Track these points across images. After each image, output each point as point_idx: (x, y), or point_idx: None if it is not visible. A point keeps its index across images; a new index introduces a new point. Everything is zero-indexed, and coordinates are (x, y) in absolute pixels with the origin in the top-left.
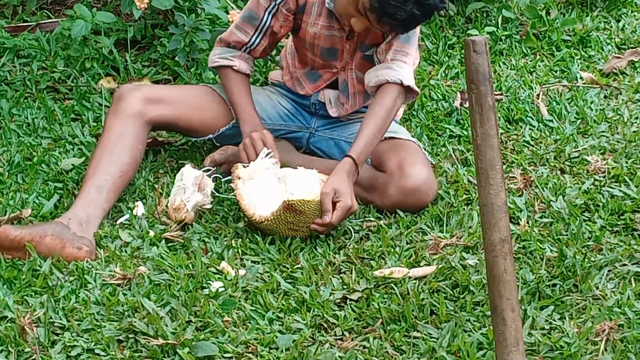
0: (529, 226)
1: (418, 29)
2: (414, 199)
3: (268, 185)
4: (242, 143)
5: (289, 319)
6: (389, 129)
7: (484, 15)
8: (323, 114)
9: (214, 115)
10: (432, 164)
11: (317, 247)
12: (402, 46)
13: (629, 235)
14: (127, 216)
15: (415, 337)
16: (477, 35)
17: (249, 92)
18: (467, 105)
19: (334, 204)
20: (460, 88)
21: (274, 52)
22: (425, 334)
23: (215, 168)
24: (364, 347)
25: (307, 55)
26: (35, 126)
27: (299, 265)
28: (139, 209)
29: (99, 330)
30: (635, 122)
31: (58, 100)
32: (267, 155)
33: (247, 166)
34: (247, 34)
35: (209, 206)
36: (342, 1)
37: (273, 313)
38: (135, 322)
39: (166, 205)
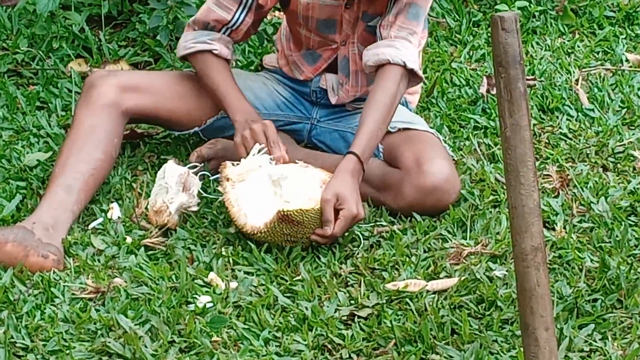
0: (566, 232)
1: (428, 2)
2: (433, 199)
3: (261, 189)
4: (240, 136)
5: (287, 339)
6: (402, 118)
7: None
8: (325, 103)
9: (201, 105)
10: (453, 159)
11: (320, 256)
12: (408, 23)
13: None
14: (100, 220)
15: None
16: (506, 10)
17: (234, 79)
18: (494, 91)
19: (337, 212)
20: (486, 72)
21: (270, 31)
22: (445, 357)
23: (202, 164)
24: None
25: (301, 32)
26: None
27: (300, 277)
28: (115, 211)
29: (68, 351)
30: None
31: (21, 86)
32: (260, 151)
33: (237, 164)
34: (229, 10)
35: (195, 208)
36: None
37: (269, 332)
38: (109, 342)
39: (146, 208)
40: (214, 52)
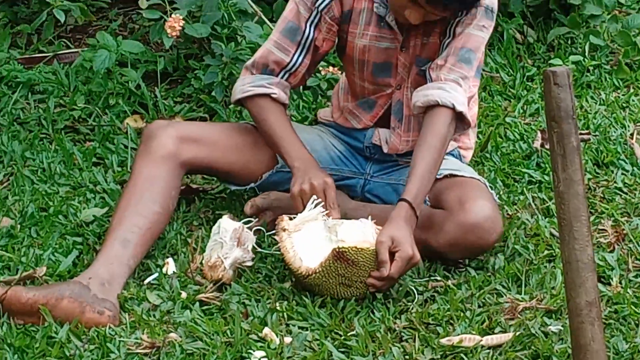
0: (621, 287)
1: (481, 52)
2: (474, 237)
3: (317, 235)
4: (298, 188)
5: None
6: (451, 166)
7: (569, 42)
8: (378, 158)
9: (258, 158)
10: (503, 207)
11: (374, 311)
12: (459, 66)
13: None
14: (156, 275)
15: None
16: (560, 65)
17: (291, 124)
18: (548, 146)
19: (392, 254)
20: (540, 126)
21: (324, 87)
22: None
23: (257, 220)
24: None
25: (356, 82)
26: (52, 172)
27: (354, 332)
28: (170, 266)
29: None
30: None
31: (78, 142)
32: (315, 204)
33: (294, 217)
34: (288, 52)
35: (249, 263)
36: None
37: None
38: None
39: (201, 263)
40: (272, 96)
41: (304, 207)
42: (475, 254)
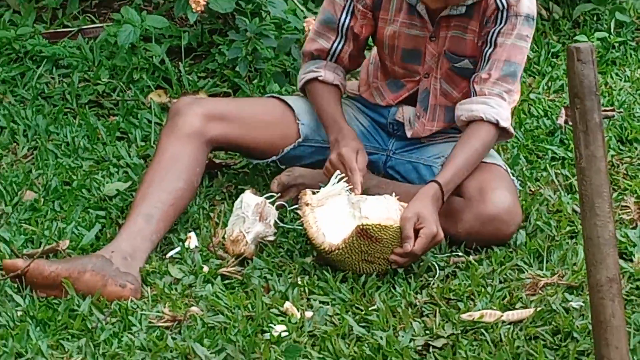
0: None
1: (524, 59)
2: (492, 228)
3: (340, 212)
4: (329, 160)
5: None
6: None
7: (594, 18)
8: (401, 135)
9: (284, 133)
10: (522, 190)
11: (395, 286)
12: (503, 80)
13: None
14: (178, 249)
15: None
16: (584, 41)
17: (338, 101)
18: (571, 123)
19: (417, 231)
20: (564, 103)
21: None
22: None
23: (279, 194)
24: None
25: (387, 63)
26: (76, 146)
27: (375, 307)
28: (192, 240)
29: None
30: None
31: (102, 117)
32: (339, 179)
33: (317, 192)
34: (329, 39)
35: (271, 238)
36: None
37: None
38: None
39: (223, 237)
40: (319, 78)
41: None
42: (492, 244)
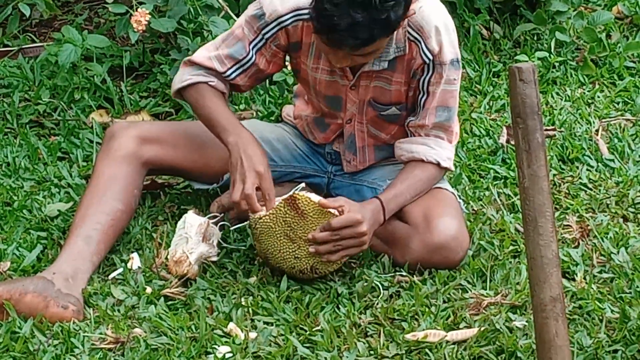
0: (586, 282)
1: (457, 100)
2: (440, 256)
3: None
4: (232, 174)
5: None
6: None
7: (535, 38)
8: (340, 163)
9: (219, 156)
10: (466, 212)
11: (339, 306)
12: (439, 125)
13: None
14: (120, 270)
15: None
16: (525, 61)
17: (229, 107)
18: (513, 142)
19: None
20: (506, 122)
21: (291, 81)
22: None
23: (222, 214)
24: None
25: (312, 100)
26: (17, 166)
27: (319, 327)
28: (135, 261)
29: None
30: None
31: (43, 137)
32: (301, 189)
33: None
34: (225, 66)
35: (215, 258)
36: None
37: None
38: None
39: (166, 258)
40: (210, 83)
41: (234, 193)
42: (440, 269)
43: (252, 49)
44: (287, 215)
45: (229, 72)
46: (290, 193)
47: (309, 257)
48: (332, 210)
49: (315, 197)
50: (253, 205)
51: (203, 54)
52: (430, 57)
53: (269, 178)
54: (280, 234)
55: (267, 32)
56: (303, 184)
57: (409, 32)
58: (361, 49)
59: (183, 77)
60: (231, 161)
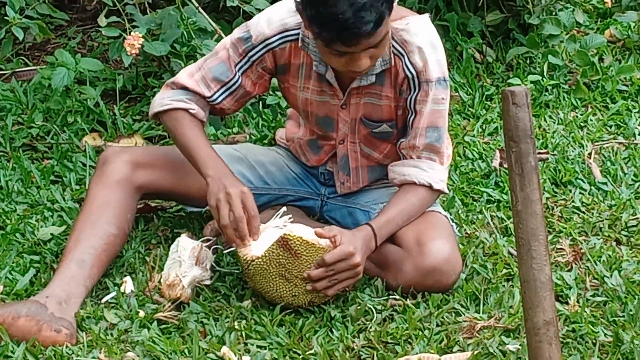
0: (579, 306)
1: (446, 120)
2: (432, 279)
3: (271, 234)
4: (214, 199)
5: None
6: None
7: (528, 61)
8: (333, 184)
9: None
10: (459, 235)
11: (333, 330)
12: (430, 146)
13: None
14: (113, 294)
15: None
16: (518, 84)
17: (207, 138)
18: (507, 165)
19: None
20: (499, 145)
21: (284, 105)
22: None
23: (215, 238)
24: None
25: (304, 122)
26: (9, 189)
27: (312, 351)
28: (128, 285)
29: None
30: None
31: (36, 160)
32: (282, 214)
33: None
34: (211, 89)
35: (208, 282)
36: (325, 57)
37: None
38: None
39: (159, 281)
40: (190, 111)
41: (223, 220)
42: (433, 293)
43: (239, 71)
44: (280, 257)
45: (215, 96)
46: (281, 234)
47: (306, 293)
48: (324, 243)
49: (306, 232)
50: (243, 231)
51: (187, 77)
52: (414, 72)
53: (252, 197)
54: (275, 275)
55: (253, 55)
56: (284, 208)
57: (393, 46)
58: (376, 33)
59: (163, 100)
60: (212, 190)
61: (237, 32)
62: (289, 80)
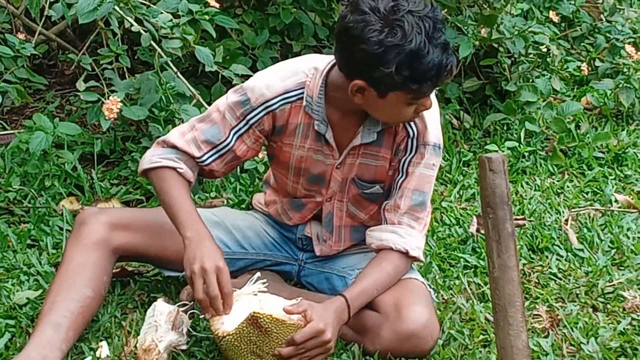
0: None
1: (432, 187)
2: (410, 345)
3: (246, 305)
4: (190, 272)
5: None
6: None
7: (505, 128)
8: (311, 249)
9: None
10: (437, 301)
11: None
12: (412, 209)
13: None
14: (89, 358)
15: None
16: (495, 151)
17: (191, 198)
18: (483, 231)
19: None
20: (476, 211)
21: (262, 170)
22: None
23: (192, 302)
24: None
25: (288, 182)
26: None
27: None
28: (103, 350)
29: None
30: None
31: (12, 224)
32: (256, 280)
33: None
34: (202, 150)
35: (184, 347)
36: (389, 110)
37: None
38: None
39: (135, 346)
40: (179, 170)
41: (196, 291)
42: (410, 358)
43: (234, 135)
44: (251, 335)
45: (204, 157)
46: (251, 312)
47: None
48: (295, 318)
49: (276, 306)
50: (217, 307)
51: (178, 136)
52: (415, 132)
53: (227, 272)
54: (247, 352)
55: (252, 118)
56: (258, 274)
57: None
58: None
59: (153, 157)
60: (188, 257)
61: (233, 96)
62: (283, 139)
